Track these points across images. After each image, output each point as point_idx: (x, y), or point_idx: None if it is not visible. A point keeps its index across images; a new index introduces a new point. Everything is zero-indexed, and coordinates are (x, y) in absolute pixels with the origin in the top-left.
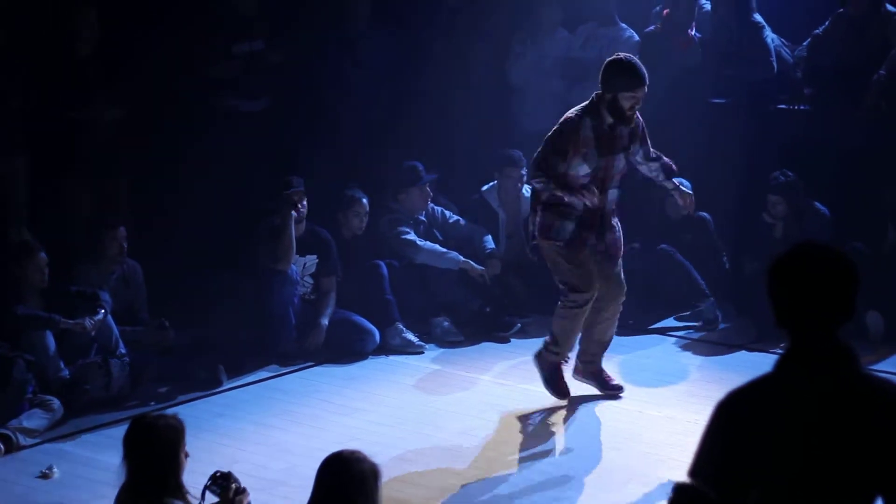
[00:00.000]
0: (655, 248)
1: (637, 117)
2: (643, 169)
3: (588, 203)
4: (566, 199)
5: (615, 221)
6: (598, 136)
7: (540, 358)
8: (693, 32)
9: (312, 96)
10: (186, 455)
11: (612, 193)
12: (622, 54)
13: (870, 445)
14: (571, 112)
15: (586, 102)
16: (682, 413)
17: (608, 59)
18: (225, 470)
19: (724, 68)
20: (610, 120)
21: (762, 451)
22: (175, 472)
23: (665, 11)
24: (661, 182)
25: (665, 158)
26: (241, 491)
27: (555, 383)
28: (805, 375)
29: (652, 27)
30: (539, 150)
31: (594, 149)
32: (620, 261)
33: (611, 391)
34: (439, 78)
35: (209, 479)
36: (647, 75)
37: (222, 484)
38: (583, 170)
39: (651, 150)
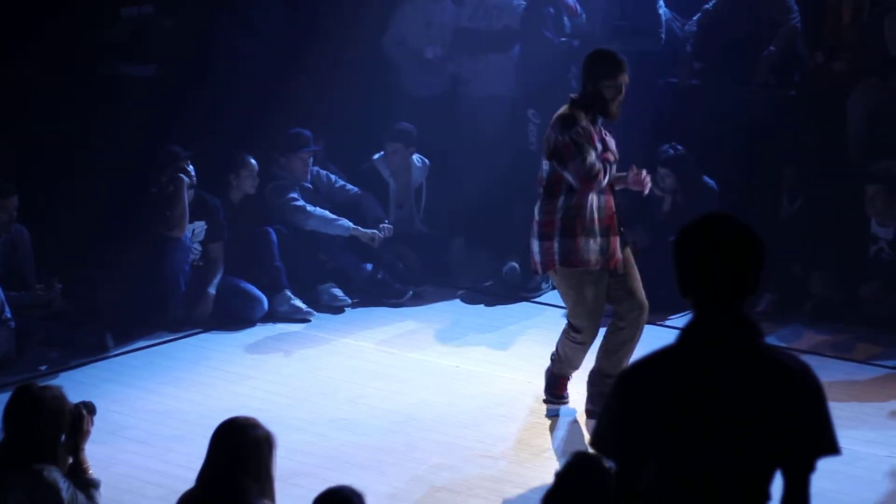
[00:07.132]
0: None
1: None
2: None
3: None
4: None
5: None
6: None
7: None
8: (573, 3)
9: (203, 62)
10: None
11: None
12: (601, 47)
13: (770, 418)
14: (561, 111)
15: (568, 105)
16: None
17: (587, 53)
18: None
19: (613, 40)
20: (595, 117)
21: (663, 421)
22: (52, 443)
23: None
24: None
25: None
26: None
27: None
28: (708, 347)
29: None
30: (568, 162)
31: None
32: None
33: None
34: (329, 46)
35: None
36: (626, 62)
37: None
38: None
39: None
